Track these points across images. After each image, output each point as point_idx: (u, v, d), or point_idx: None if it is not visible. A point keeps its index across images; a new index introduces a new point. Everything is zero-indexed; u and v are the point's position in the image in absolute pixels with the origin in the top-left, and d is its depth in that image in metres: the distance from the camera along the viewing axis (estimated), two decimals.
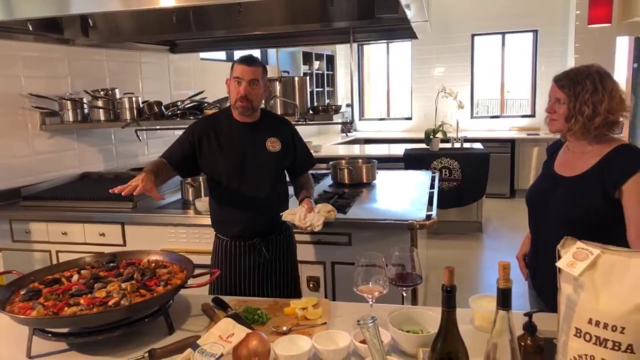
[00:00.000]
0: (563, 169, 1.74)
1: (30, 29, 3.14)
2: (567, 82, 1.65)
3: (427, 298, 3.22)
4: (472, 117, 7.93)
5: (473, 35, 7.73)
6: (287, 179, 2.30)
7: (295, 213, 1.99)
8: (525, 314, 1.15)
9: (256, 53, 6.53)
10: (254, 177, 2.07)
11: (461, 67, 7.83)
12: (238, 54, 6.29)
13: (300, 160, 2.27)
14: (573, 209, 1.64)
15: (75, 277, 1.51)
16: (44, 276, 1.54)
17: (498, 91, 7.96)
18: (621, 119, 1.65)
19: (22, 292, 1.42)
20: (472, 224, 5.39)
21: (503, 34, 7.67)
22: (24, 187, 3.09)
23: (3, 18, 2.60)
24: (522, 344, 1.14)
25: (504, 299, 0.94)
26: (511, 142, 6.91)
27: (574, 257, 0.97)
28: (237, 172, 2.06)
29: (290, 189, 2.30)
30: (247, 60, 2.00)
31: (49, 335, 1.33)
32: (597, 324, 0.91)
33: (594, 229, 1.60)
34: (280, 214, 2.04)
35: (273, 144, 2.11)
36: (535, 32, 7.45)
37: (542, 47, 7.42)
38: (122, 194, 1.64)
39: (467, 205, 5.27)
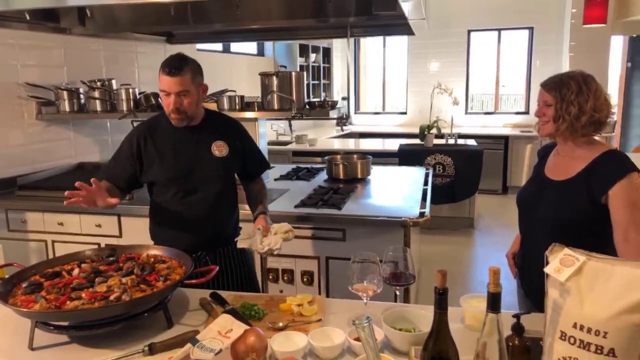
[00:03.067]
0: (553, 172, 1.79)
1: (28, 18, 3.13)
2: (553, 85, 1.72)
3: (419, 293, 3.28)
4: (466, 112, 7.98)
5: (469, 31, 7.75)
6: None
7: (251, 237, 1.85)
8: (514, 316, 1.20)
9: (252, 45, 6.54)
10: (198, 186, 1.93)
11: (457, 63, 7.86)
12: (235, 46, 6.26)
13: (252, 164, 2.12)
14: (561, 213, 1.69)
15: (76, 270, 1.54)
16: (45, 269, 1.56)
17: (493, 87, 8.01)
18: (607, 120, 1.70)
19: (23, 285, 1.45)
20: (464, 220, 5.45)
21: (499, 30, 7.71)
22: (19, 177, 3.10)
23: (0, 8, 2.61)
24: (510, 344, 1.18)
25: (493, 302, 0.98)
26: (505, 139, 6.97)
27: (561, 263, 1.01)
28: (180, 180, 1.92)
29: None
30: (171, 70, 1.77)
31: (51, 327, 1.36)
32: (582, 328, 0.96)
33: (581, 232, 1.65)
34: (235, 239, 1.95)
35: (219, 148, 1.95)
36: (531, 29, 7.49)
37: (538, 44, 7.46)
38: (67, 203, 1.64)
39: (460, 201, 5.33)
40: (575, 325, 0.97)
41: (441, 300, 1.06)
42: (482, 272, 4.39)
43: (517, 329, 1.18)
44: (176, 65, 1.78)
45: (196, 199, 1.93)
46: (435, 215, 5.12)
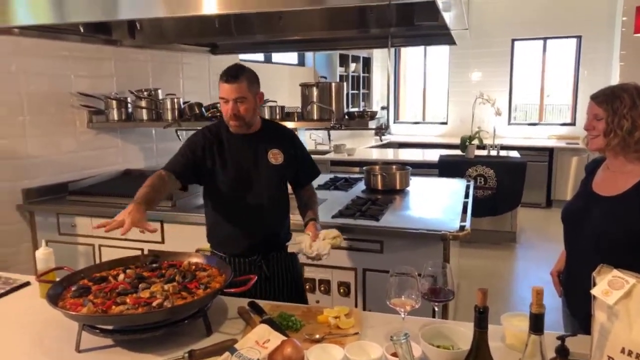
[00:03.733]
0: (601, 188, 1.73)
1: (82, 30, 3.29)
2: (605, 98, 1.65)
3: (457, 308, 3.21)
4: (509, 123, 7.80)
5: (513, 40, 7.59)
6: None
7: (301, 242, 1.91)
8: (558, 338, 1.16)
9: (293, 55, 6.63)
10: (255, 192, 2.00)
11: (500, 72, 7.71)
12: (276, 57, 6.37)
13: (304, 171, 2.19)
14: (609, 230, 1.63)
15: (121, 276, 1.60)
16: (93, 273, 1.62)
17: (537, 97, 7.81)
18: None
19: (72, 289, 1.51)
20: (505, 234, 5.31)
21: (545, 39, 7.52)
22: (70, 182, 3.24)
23: (55, 21, 2.75)
24: None
25: (536, 323, 0.96)
26: (549, 151, 6.77)
27: (609, 285, 0.97)
28: (238, 186, 1.99)
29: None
30: (229, 78, 1.89)
31: (97, 331, 1.41)
32: (630, 353, 0.92)
33: (630, 251, 1.58)
34: (286, 244, 2.01)
35: (275, 156, 2.03)
36: (579, 37, 7.26)
37: (586, 53, 7.23)
38: (104, 230, 1.58)
39: (501, 214, 5.20)
40: (623, 351, 0.93)
41: (481, 319, 1.04)
42: (523, 288, 4.26)
43: (562, 351, 1.14)
44: (233, 74, 1.89)
45: (251, 204, 2.00)
46: (475, 228, 5.00)
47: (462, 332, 1.36)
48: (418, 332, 1.36)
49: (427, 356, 1.32)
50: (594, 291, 1.00)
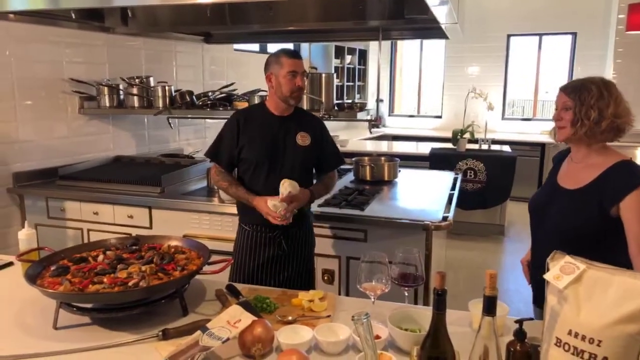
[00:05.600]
0: (565, 180, 1.76)
1: (74, 17, 3.31)
2: (573, 89, 1.69)
3: None
4: (503, 118, 7.82)
5: (509, 36, 7.60)
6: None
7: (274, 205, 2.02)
8: (516, 321, 1.20)
9: (289, 46, 6.62)
10: (282, 169, 2.15)
11: (495, 67, 7.72)
12: (271, 47, 6.38)
13: (327, 157, 2.33)
14: (570, 223, 1.66)
15: (101, 257, 1.63)
16: (73, 254, 1.66)
17: (532, 93, 7.83)
18: (627, 128, 1.66)
19: (52, 268, 1.55)
20: (494, 227, 5.36)
21: (540, 35, 7.52)
22: (61, 167, 3.27)
23: (49, 7, 2.77)
24: (512, 349, 1.18)
25: (489, 305, 1.00)
26: (541, 146, 6.80)
27: (561, 270, 1.01)
28: (267, 162, 2.14)
29: None
30: (297, 55, 2.12)
31: (74, 309, 1.45)
32: (576, 335, 0.96)
33: (588, 242, 1.61)
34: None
35: (303, 138, 2.18)
36: (574, 34, 7.28)
37: (581, 50, 7.24)
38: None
39: (490, 207, 5.25)
40: (570, 332, 0.97)
41: (439, 302, 1.08)
42: (509, 279, 4.31)
43: (519, 334, 1.18)
44: (296, 52, 2.16)
45: (277, 181, 2.10)
46: (465, 220, 5.08)
47: (429, 316, 1.39)
48: (387, 316, 1.40)
49: (394, 338, 1.36)
50: (547, 276, 1.04)
